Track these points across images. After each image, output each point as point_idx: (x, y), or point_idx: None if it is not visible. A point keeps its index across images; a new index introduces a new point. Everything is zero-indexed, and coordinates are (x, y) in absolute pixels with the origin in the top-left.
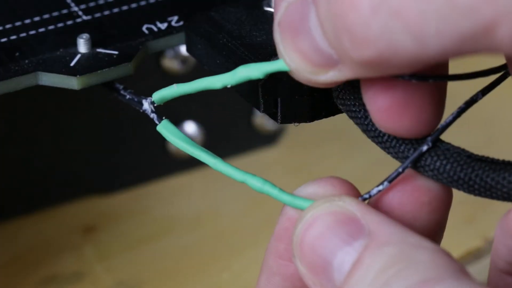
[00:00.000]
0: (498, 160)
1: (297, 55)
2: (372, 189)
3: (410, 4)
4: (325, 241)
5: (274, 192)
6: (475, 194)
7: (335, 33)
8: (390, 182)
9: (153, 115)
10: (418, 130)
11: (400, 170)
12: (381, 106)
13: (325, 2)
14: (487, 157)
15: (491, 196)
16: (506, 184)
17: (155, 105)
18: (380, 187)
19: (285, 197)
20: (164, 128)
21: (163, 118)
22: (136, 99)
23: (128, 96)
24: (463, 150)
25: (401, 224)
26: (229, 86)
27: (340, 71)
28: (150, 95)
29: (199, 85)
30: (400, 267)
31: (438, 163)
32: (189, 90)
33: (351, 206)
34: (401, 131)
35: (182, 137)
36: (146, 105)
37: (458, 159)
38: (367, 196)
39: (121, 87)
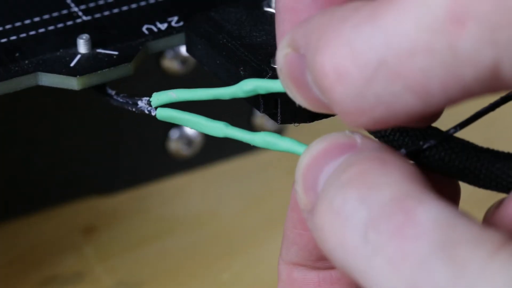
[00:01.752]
0: (503, 152)
1: (302, 100)
2: None
3: (411, 63)
4: (318, 160)
5: (290, 143)
6: (480, 186)
7: (327, 101)
8: (407, 153)
9: (150, 108)
10: (421, 120)
11: (421, 143)
12: None
13: (312, 69)
14: (492, 149)
15: (496, 187)
16: None
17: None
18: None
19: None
20: (164, 112)
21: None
22: (130, 101)
23: (121, 100)
24: (468, 142)
25: (388, 145)
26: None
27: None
28: (150, 96)
29: (200, 94)
30: (366, 167)
31: (443, 153)
32: (189, 98)
33: (355, 134)
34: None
35: (184, 113)
36: (142, 104)
37: (463, 149)
38: None
39: (113, 92)
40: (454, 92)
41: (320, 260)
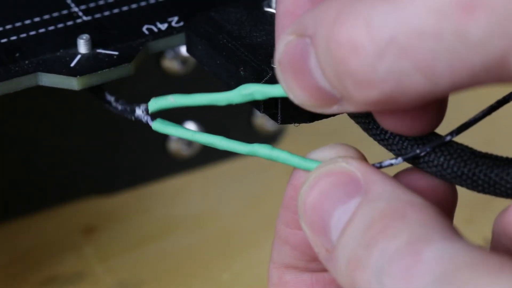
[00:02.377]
0: (501, 157)
1: (300, 92)
2: (385, 160)
3: (420, 43)
4: (324, 201)
5: (283, 155)
6: (478, 191)
7: (336, 77)
8: (404, 160)
9: (146, 118)
10: (421, 127)
11: (418, 151)
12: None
13: (324, 46)
14: (491, 154)
15: (495, 193)
16: (510, 180)
17: (150, 112)
18: (393, 161)
19: (294, 160)
20: (160, 124)
21: (155, 118)
22: (128, 109)
23: (120, 108)
24: (467, 146)
25: (397, 182)
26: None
27: (343, 106)
28: (150, 96)
29: (198, 99)
30: (387, 222)
31: (442, 159)
32: (187, 104)
33: (354, 166)
34: (404, 130)
35: (179, 128)
36: (139, 112)
37: (462, 154)
38: (377, 165)
39: (112, 98)
40: (461, 77)
41: (313, 261)
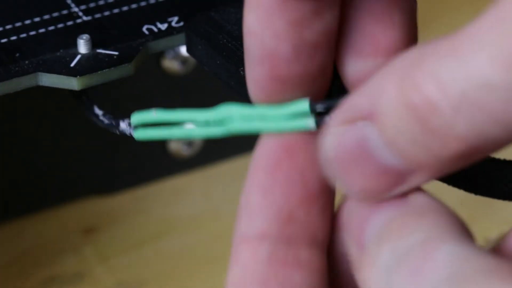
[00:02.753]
0: (499, 159)
1: (363, 182)
2: None
3: (490, 95)
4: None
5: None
6: (476, 193)
7: (415, 141)
8: None
9: (130, 130)
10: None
11: None
12: None
13: (393, 115)
14: (489, 156)
15: (493, 195)
16: (508, 183)
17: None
18: None
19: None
20: (143, 135)
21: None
22: (114, 123)
23: (107, 122)
24: None
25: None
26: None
27: (416, 178)
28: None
29: (179, 115)
30: (403, 221)
31: None
32: (169, 119)
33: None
34: None
35: (159, 130)
36: (123, 125)
37: None
38: None
39: (101, 113)
40: None
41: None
